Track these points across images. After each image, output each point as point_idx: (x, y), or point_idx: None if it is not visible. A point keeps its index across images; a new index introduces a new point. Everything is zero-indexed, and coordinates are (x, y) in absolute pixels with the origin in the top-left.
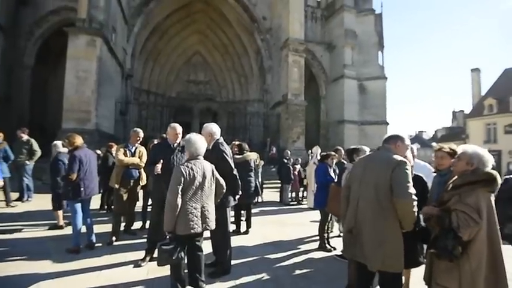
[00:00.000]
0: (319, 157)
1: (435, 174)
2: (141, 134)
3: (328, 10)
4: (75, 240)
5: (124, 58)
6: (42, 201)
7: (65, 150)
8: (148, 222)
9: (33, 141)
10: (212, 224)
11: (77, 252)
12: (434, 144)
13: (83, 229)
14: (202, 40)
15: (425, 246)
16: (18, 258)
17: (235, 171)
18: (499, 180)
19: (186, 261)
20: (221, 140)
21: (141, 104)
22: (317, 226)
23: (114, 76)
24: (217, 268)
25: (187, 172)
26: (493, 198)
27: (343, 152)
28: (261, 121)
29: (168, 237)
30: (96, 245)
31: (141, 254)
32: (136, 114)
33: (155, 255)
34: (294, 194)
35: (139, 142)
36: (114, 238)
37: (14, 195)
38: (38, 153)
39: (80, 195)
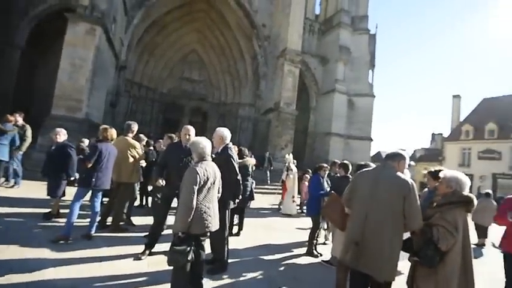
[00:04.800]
0: (292, 166)
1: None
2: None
3: (326, 25)
4: (67, 229)
5: (120, 49)
6: (30, 188)
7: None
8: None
9: (28, 127)
10: (218, 224)
11: (66, 240)
12: (412, 163)
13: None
14: (201, 39)
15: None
16: (15, 243)
17: (239, 177)
18: (475, 202)
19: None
20: (230, 145)
21: (131, 96)
22: (301, 233)
23: (109, 67)
24: (216, 265)
25: (203, 173)
26: (468, 217)
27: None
28: (250, 125)
29: (178, 236)
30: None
31: (137, 247)
32: (126, 106)
33: (154, 249)
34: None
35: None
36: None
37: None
38: (28, 140)
39: (90, 184)
